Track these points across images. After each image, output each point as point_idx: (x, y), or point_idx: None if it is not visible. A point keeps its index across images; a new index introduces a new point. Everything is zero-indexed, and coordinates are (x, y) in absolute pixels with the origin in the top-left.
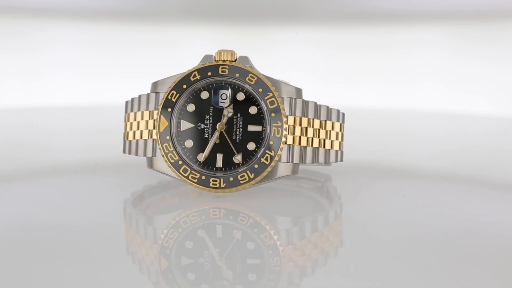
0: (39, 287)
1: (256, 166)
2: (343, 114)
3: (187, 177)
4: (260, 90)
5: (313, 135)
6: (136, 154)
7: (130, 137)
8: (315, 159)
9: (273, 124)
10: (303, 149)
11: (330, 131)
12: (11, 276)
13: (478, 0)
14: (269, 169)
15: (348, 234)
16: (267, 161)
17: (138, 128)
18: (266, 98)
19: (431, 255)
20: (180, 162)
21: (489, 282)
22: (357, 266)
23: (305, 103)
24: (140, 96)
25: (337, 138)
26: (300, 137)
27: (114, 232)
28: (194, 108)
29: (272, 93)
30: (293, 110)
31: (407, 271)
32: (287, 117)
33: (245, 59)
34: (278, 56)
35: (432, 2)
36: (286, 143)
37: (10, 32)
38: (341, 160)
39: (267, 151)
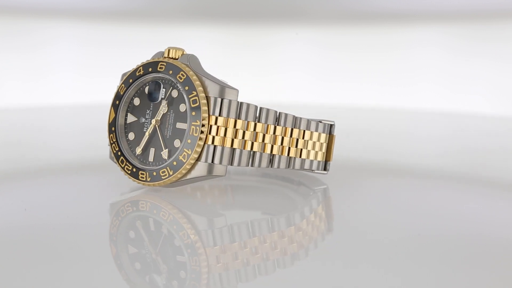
0: (38, 286)
1: (174, 163)
2: (317, 122)
3: (123, 168)
4: (186, 88)
5: (254, 139)
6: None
7: None
8: (255, 163)
9: (192, 123)
10: (231, 150)
11: (282, 137)
12: (10, 276)
13: (478, 0)
14: (187, 166)
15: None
16: (184, 159)
17: None
18: (190, 96)
19: (431, 255)
20: (119, 153)
21: (489, 283)
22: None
23: (244, 106)
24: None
25: (296, 146)
26: (232, 139)
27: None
28: (139, 102)
29: (196, 92)
30: (224, 111)
31: (406, 273)
32: (215, 117)
33: (185, 57)
34: (278, 56)
35: (432, 2)
36: (212, 143)
37: (10, 32)
38: (302, 168)
39: (184, 149)
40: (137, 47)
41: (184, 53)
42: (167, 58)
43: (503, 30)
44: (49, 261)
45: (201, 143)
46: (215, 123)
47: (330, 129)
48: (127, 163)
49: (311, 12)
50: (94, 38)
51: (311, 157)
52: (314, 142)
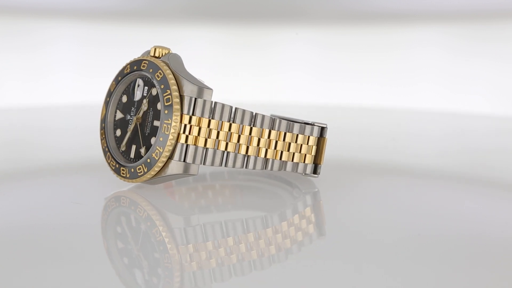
0: (38, 286)
1: (148, 160)
2: (302, 125)
3: (109, 164)
4: (162, 86)
5: (228, 139)
6: None
7: None
8: (228, 163)
9: (164, 121)
10: (201, 150)
11: (258, 138)
12: (10, 276)
13: (478, 0)
14: (159, 164)
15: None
16: (156, 156)
17: None
18: (164, 95)
19: (431, 255)
20: (106, 149)
21: (489, 283)
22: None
23: (218, 106)
24: None
25: (275, 147)
26: (206, 139)
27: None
28: (126, 99)
29: (170, 91)
30: (198, 110)
31: (406, 273)
32: (189, 117)
33: (167, 56)
34: (278, 56)
35: (432, 2)
36: (186, 142)
37: (10, 32)
38: (283, 170)
39: (157, 147)
40: (137, 47)
41: (169, 52)
42: (149, 57)
43: (503, 30)
44: (49, 261)
45: (172, 141)
46: (189, 122)
47: (321, 132)
48: (112, 159)
49: (311, 12)
50: (94, 38)
51: (296, 159)
52: (298, 145)
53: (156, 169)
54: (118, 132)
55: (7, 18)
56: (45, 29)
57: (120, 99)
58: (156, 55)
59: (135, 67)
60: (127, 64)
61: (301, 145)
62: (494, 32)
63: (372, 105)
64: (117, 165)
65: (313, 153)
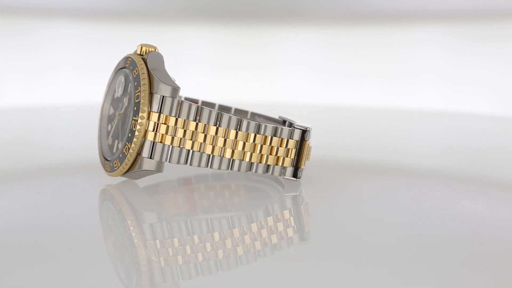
0: (38, 286)
1: (121, 155)
2: (277, 127)
3: (99, 158)
4: (135, 84)
5: (194, 138)
6: None
7: None
8: (193, 162)
9: (133, 118)
10: (167, 147)
11: (224, 138)
12: (10, 276)
13: (478, 0)
14: (129, 159)
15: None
16: (126, 152)
17: None
18: (136, 92)
19: (431, 255)
20: (99, 144)
21: (489, 283)
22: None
23: (185, 105)
24: None
25: (243, 148)
26: (172, 137)
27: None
28: (117, 95)
29: (140, 88)
30: (165, 108)
31: (406, 273)
32: (157, 114)
33: (148, 54)
34: (278, 56)
35: (432, 2)
36: (154, 139)
37: (10, 32)
38: (251, 171)
39: (126, 143)
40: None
41: (155, 50)
42: (134, 54)
43: (503, 30)
44: (49, 261)
45: (139, 138)
46: (157, 120)
47: (303, 135)
48: (100, 153)
49: (311, 12)
50: (94, 38)
51: (270, 162)
52: (273, 147)
53: (127, 164)
54: (109, 127)
55: (7, 18)
56: (45, 29)
57: (113, 95)
58: (141, 53)
59: (122, 64)
60: (120, 61)
61: (277, 147)
62: (494, 32)
63: (372, 105)
64: (103, 159)
65: (293, 156)
